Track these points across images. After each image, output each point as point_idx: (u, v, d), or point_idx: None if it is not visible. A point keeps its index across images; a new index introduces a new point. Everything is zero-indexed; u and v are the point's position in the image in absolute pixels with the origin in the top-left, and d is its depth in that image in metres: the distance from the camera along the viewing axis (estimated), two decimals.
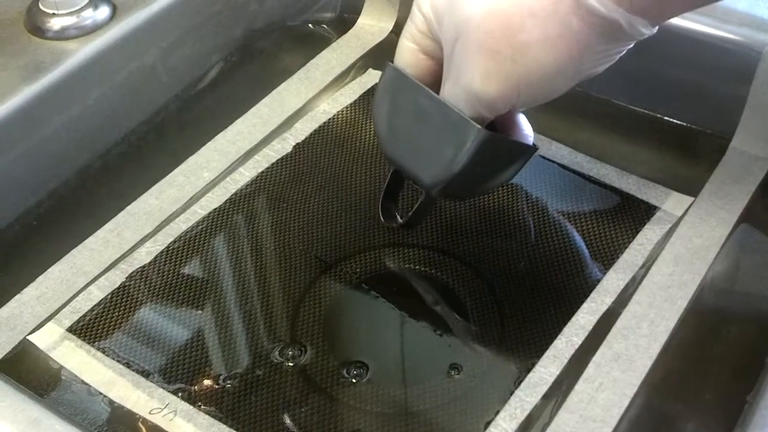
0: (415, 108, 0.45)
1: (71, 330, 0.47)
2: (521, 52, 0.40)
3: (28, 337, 0.46)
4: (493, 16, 0.40)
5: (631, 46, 0.42)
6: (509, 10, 0.40)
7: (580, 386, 0.43)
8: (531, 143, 0.47)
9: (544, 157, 0.55)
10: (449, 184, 0.45)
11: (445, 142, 0.44)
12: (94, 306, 0.48)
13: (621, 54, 0.43)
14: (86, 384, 0.44)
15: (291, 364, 0.45)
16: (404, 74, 0.45)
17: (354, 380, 0.44)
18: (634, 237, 0.50)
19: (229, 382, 0.44)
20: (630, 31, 0.40)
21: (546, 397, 0.43)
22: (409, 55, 0.46)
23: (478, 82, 0.42)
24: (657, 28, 0.42)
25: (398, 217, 0.51)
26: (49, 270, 0.50)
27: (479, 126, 0.42)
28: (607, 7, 0.39)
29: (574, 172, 0.54)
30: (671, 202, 0.52)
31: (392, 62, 0.47)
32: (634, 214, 0.52)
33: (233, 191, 0.54)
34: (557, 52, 0.40)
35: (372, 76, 0.62)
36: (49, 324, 0.47)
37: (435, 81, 0.45)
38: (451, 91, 0.43)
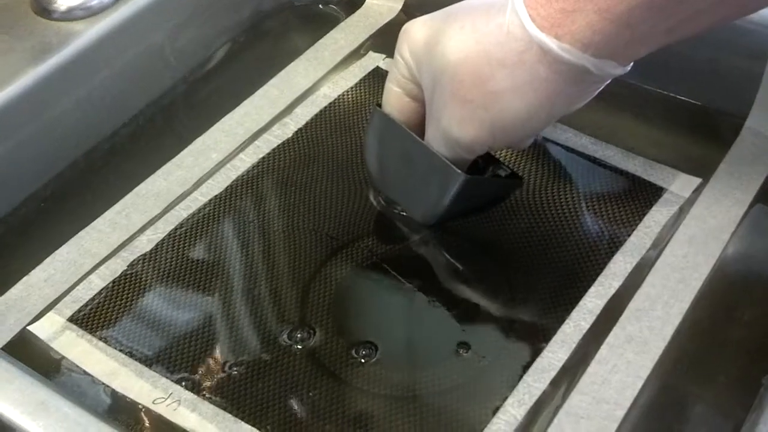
0: (401, 151, 0.48)
1: (72, 320, 0.46)
2: (492, 100, 0.42)
3: (28, 328, 0.46)
4: (464, 66, 0.42)
5: (608, 82, 0.43)
6: (479, 61, 0.42)
7: (593, 368, 0.43)
8: (514, 176, 0.50)
9: (548, 139, 0.54)
10: (439, 219, 0.49)
11: (431, 185, 0.47)
12: (95, 295, 0.47)
13: (598, 91, 0.44)
14: (88, 374, 0.44)
15: (300, 346, 0.45)
16: (390, 119, 0.48)
17: (363, 360, 0.44)
18: (641, 219, 0.50)
19: (235, 368, 0.44)
20: (600, 74, 0.41)
21: (554, 382, 0.43)
22: (394, 98, 0.48)
23: (455, 128, 0.44)
24: (631, 65, 0.43)
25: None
26: (57, 252, 0.49)
27: (459, 171, 0.45)
28: (573, 54, 0.40)
29: (580, 154, 0.54)
30: (679, 183, 0.52)
31: (379, 105, 0.49)
32: (641, 195, 0.51)
33: (234, 177, 0.53)
34: (527, 100, 0.42)
35: (373, 59, 0.61)
36: (50, 314, 0.46)
37: (421, 122, 0.47)
38: (432, 135, 0.46)
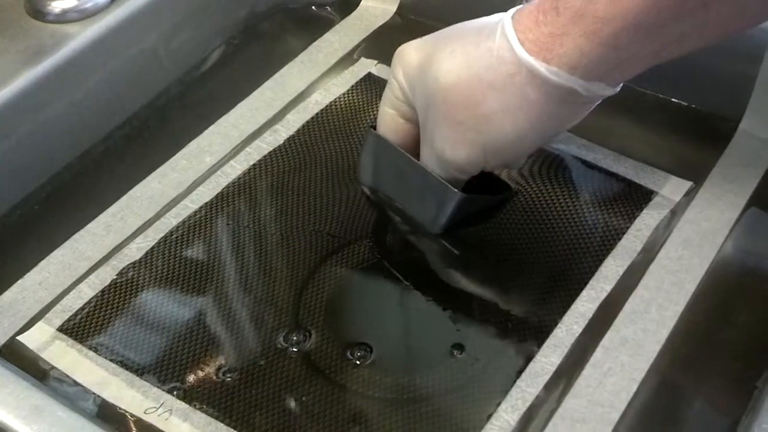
0: (397, 171, 0.49)
1: (61, 329, 0.46)
2: (483, 122, 0.43)
3: (18, 338, 0.45)
4: (456, 90, 0.43)
5: (598, 103, 0.44)
6: (471, 84, 0.43)
7: (588, 371, 0.43)
8: (507, 190, 0.51)
9: None
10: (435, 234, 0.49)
11: (427, 204, 0.49)
12: (85, 304, 0.47)
13: (588, 111, 0.44)
14: (79, 384, 0.44)
15: (295, 349, 0.45)
16: (385, 140, 0.49)
17: (358, 362, 0.44)
18: (632, 222, 0.50)
19: (229, 375, 0.44)
20: (589, 95, 0.42)
21: (547, 387, 0.43)
22: (389, 120, 0.48)
23: (448, 150, 0.45)
24: (621, 86, 0.43)
25: None
26: (51, 255, 0.49)
27: (455, 189, 0.46)
28: (561, 76, 0.41)
29: (571, 157, 0.54)
30: (669, 187, 0.52)
31: (373, 127, 0.50)
32: (632, 199, 0.51)
33: (224, 185, 0.53)
34: (517, 121, 0.43)
35: (364, 65, 0.61)
36: (39, 324, 0.46)
37: (415, 143, 0.48)
38: (427, 156, 0.47)
